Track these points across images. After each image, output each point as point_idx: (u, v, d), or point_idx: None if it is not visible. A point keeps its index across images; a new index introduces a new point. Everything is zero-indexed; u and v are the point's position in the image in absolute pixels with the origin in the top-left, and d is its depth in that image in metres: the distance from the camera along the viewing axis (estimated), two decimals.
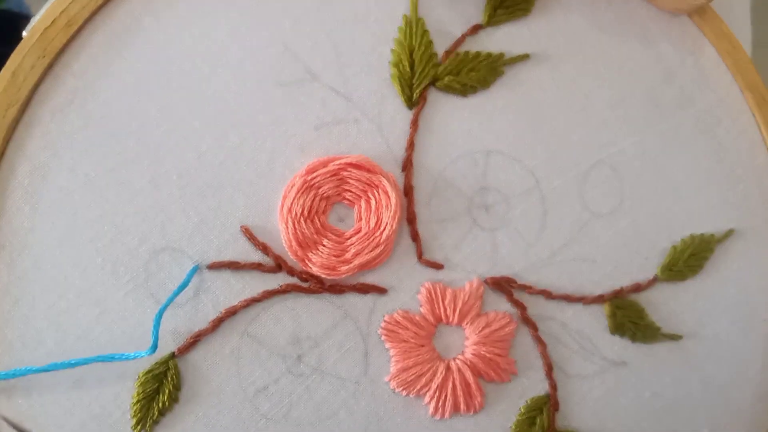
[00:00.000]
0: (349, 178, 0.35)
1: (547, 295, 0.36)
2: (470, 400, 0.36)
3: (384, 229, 0.35)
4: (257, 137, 0.35)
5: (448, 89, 0.36)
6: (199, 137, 0.35)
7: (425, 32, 0.36)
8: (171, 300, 0.34)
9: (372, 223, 0.35)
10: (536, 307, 0.37)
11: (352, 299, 0.36)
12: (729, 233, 0.38)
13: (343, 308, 0.36)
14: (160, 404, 0.34)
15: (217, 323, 0.35)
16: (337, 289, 0.35)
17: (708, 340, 0.38)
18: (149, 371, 0.34)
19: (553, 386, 0.37)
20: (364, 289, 0.36)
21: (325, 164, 0.35)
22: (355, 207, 0.36)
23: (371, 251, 0.35)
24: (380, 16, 0.36)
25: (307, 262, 0.35)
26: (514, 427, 0.36)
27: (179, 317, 0.35)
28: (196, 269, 0.35)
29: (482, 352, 0.36)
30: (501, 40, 0.37)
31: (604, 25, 0.38)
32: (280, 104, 0.35)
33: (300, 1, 0.36)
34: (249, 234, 0.35)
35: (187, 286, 0.34)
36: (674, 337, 0.37)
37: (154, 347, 0.33)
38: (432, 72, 0.36)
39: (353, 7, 0.36)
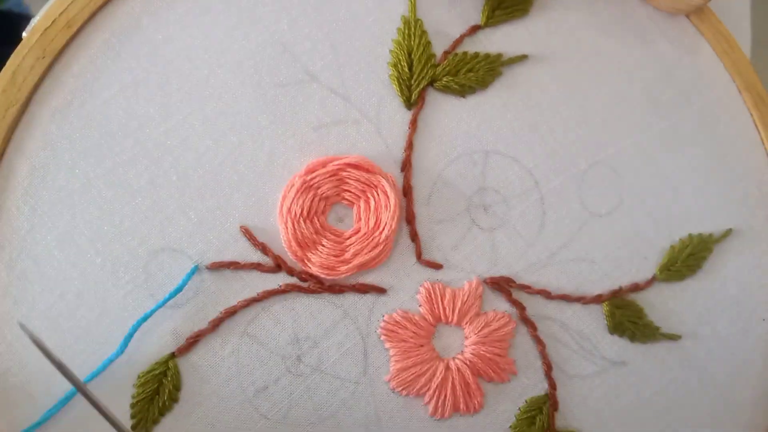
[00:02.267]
0: (348, 178, 0.35)
1: (546, 295, 0.37)
2: (470, 399, 0.36)
3: (383, 229, 0.35)
4: (256, 138, 0.35)
5: (447, 90, 0.36)
6: (198, 138, 0.35)
7: (424, 33, 0.36)
8: (165, 302, 0.34)
9: (371, 224, 0.35)
10: (535, 306, 0.37)
11: (352, 299, 0.36)
12: (727, 233, 0.38)
13: (343, 308, 0.36)
14: (160, 404, 0.34)
15: (217, 323, 0.35)
16: (336, 289, 0.35)
17: (707, 340, 0.38)
18: (149, 371, 0.34)
19: (553, 386, 0.37)
20: (364, 289, 0.36)
21: (324, 165, 0.35)
22: (354, 207, 0.36)
23: (370, 251, 0.35)
24: (379, 16, 0.36)
25: (306, 262, 0.35)
26: (513, 426, 0.36)
27: (179, 317, 0.35)
28: (195, 270, 0.35)
29: (481, 352, 0.36)
30: (499, 40, 0.37)
31: (603, 26, 0.38)
32: (278, 105, 0.35)
33: (299, 1, 0.36)
34: (248, 234, 0.35)
35: (183, 288, 0.34)
36: (673, 337, 0.37)
37: (122, 349, 0.33)
38: (430, 73, 0.36)
39: (352, 8, 0.36)
